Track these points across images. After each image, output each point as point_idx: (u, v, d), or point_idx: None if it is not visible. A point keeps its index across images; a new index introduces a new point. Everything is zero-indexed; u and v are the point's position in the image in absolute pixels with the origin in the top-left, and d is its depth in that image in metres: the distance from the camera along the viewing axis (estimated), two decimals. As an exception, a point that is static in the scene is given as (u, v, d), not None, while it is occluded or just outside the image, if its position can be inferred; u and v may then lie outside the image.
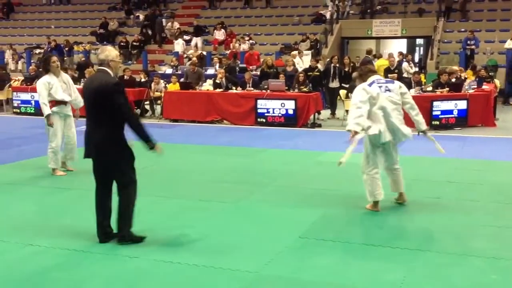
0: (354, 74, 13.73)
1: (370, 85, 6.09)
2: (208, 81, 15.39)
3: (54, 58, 7.99)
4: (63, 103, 7.95)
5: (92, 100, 4.97)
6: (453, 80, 13.67)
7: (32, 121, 14.30)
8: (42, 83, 7.89)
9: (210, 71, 18.18)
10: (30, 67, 19.06)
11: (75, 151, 8.09)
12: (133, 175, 5.07)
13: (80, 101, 7.88)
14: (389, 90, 6.14)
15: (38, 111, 15.35)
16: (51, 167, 8.00)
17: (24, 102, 15.95)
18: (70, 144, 8.15)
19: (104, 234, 5.12)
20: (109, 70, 5.01)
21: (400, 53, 19.41)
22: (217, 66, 17.79)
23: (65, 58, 22.58)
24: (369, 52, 17.08)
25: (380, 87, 6.11)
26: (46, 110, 7.81)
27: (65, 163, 8.24)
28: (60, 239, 5.23)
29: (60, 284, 4.28)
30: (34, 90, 15.78)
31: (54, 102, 7.89)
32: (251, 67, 18.63)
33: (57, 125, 7.93)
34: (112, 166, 5.01)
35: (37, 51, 24.97)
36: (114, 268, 4.59)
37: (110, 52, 5.10)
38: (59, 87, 7.88)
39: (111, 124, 4.89)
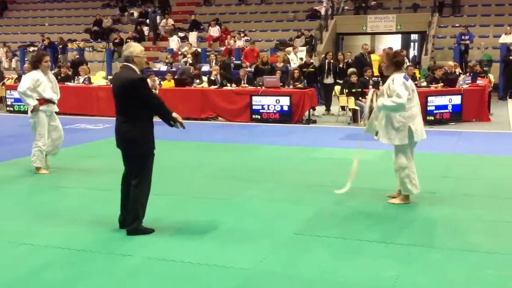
0: (350, 70, 13.81)
1: (406, 79, 6.08)
2: (204, 78, 15.37)
3: (47, 58, 7.97)
4: (51, 102, 7.90)
5: (118, 96, 5.17)
6: (441, 74, 13.65)
7: (25, 119, 14.15)
8: (30, 77, 7.80)
9: (205, 68, 18.14)
10: (24, 65, 18.97)
11: (60, 147, 8.15)
12: (149, 171, 5.27)
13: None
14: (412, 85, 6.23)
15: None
16: (35, 165, 7.92)
17: (17, 100, 15.79)
18: (59, 139, 8.11)
19: (123, 222, 5.33)
20: (133, 66, 5.19)
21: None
22: (213, 63, 17.75)
23: (59, 56, 22.49)
24: (366, 48, 16.99)
25: (410, 81, 6.17)
26: (31, 100, 7.73)
27: (46, 159, 8.14)
28: (52, 237, 5.20)
29: (53, 283, 4.25)
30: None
31: (42, 101, 7.82)
32: (246, 63, 18.60)
33: (44, 124, 7.88)
34: (135, 159, 5.18)
35: (31, 49, 24.83)
36: (107, 266, 4.56)
37: (135, 48, 5.23)
38: (47, 85, 7.84)
39: (136, 118, 5.10)
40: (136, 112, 5.10)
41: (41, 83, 7.76)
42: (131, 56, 5.16)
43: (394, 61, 6.22)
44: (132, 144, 5.15)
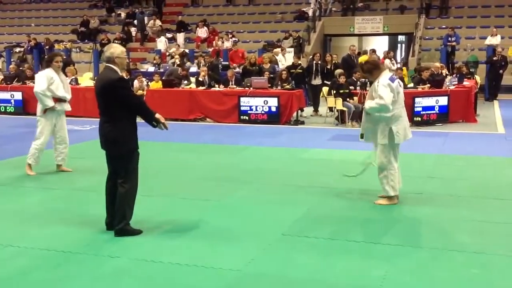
0: (338, 71, 13.85)
1: (392, 80, 6.11)
2: (192, 79, 15.34)
3: (59, 58, 7.91)
4: (63, 100, 7.87)
5: (99, 96, 5.18)
6: (428, 76, 13.74)
7: (12, 120, 14.13)
8: (44, 75, 7.74)
9: (193, 69, 18.11)
10: (10, 66, 18.84)
11: (67, 149, 8.07)
12: (134, 171, 5.26)
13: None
14: (401, 86, 6.27)
15: (18, 110, 15.30)
16: (29, 162, 7.87)
17: (3, 101, 15.74)
18: (64, 142, 8.00)
19: (110, 224, 5.32)
20: (114, 67, 5.19)
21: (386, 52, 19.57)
22: (201, 64, 17.72)
23: (46, 57, 22.32)
24: (353, 50, 17.06)
25: (398, 82, 6.22)
26: (50, 101, 7.69)
27: (61, 165, 8.04)
28: (39, 239, 5.17)
29: (40, 284, 4.22)
30: (14, 89, 15.66)
31: (56, 100, 7.77)
32: (234, 64, 18.60)
33: (48, 123, 7.82)
34: (117, 159, 5.20)
35: (17, 49, 24.68)
36: (95, 268, 4.53)
37: (116, 49, 5.27)
38: (60, 84, 7.80)
39: (117, 118, 5.11)
40: (116, 112, 5.11)
41: (54, 81, 7.71)
42: (112, 57, 5.19)
43: (367, 69, 6.32)
44: (113, 144, 5.17)
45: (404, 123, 6.25)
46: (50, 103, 7.71)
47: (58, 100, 7.83)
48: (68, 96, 7.96)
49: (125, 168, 5.20)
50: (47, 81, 7.68)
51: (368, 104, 6.16)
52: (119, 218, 5.20)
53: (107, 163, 5.35)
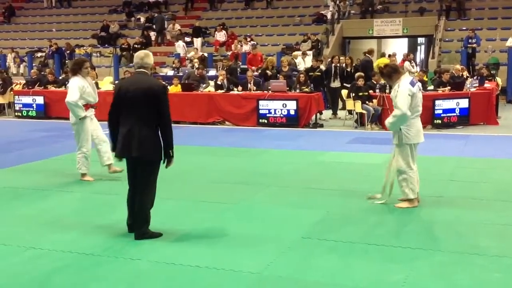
0: (358, 74, 13.79)
1: (412, 84, 6.11)
2: (211, 83, 15.40)
3: (87, 64, 7.85)
4: (92, 106, 7.86)
5: (141, 100, 5.14)
6: (448, 78, 13.63)
7: (33, 125, 14.33)
8: (77, 85, 7.60)
9: (212, 72, 18.18)
10: (32, 71, 19.09)
11: (108, 152, 7.72)
12: (156, 180, 5.32)
13: None
14: (420, 90, 6.26)
15: (39, 114, 15.51)
16: (81, 172, 7.81)
17: (25, 105, 15.97)
18: (103, 141, 7.82)
19: (130, 226, 5.36)
20: (149, 73, 5.42)
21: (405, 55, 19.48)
22: (219, 67, 17.78)
23: (67, 61, 22.60)
24: (369, 52, 17.03)
25: (418, 85, 6.22)
26: (82, 111, 7.62)
27: (111, 165, 7.85)
28: (60, 242, 5.23)
29: (64, 287, 4.27)
30: (35, 93, 15.88)
31: (88, 106, 7.75)
32: (253, 67, 18.63)
33: (88, 130, 7.76)
34: (148, 167, 5.21)
35: (39, 54, 25.02)
36: (116, 270, 4.58)
37: (152, 58, 5.46)
38: (91, 90, 7.80)
39: (155, 124, 5.16)
40: (154, 119, 5.15)
41: (86, 89, 7.64)
42: (151, 63, 5.40)
43: (386, 73, 6.33)
44: (150, 150, 5.15)
45: (417, 126, 6.20)
46: (82, 113, 7.62)
47: (89, 106, 7.80)
48: (97, 99, 7.93)
49: (152, 174, 5.23)
50: (80, 91, 7.58)
51: (387, 122, 6.23)
52: (141, 221, 5.24)
53: (131, 168, 5.31)
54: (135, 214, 5.28)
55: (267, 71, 15.59)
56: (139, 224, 5.25)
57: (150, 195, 5.28)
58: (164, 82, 15.36)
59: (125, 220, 5.42)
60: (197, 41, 23.43)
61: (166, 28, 25.04)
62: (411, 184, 6.19)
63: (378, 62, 16.44)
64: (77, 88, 7.60)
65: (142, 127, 5.14)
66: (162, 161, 5.23)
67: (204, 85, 15.23)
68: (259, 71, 16.70)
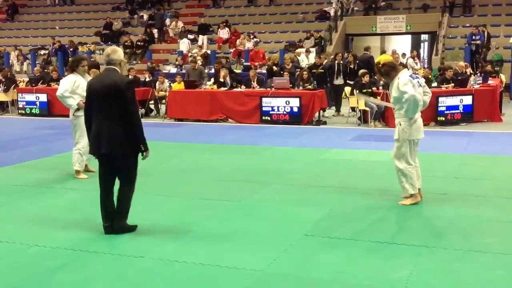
0: (362, 71, 13.77)
1: (412, 77, 6.11)
2: (212, 80, 15.40)
3: (84, 62, 7.95)
4: None
5: (106, 97, 5.12)
6: (452, 75, 13.59)
7: (37, 122, 14.34)
8: (67, 81, 7.78)
9: (213, 70, 18.14)
10: (35, 68, 19.12)
11: None
12: (136, 172, 5.30)
13: None
14: (420, 86, 6.22)
15: (43, 112, 15.55)
16: (76, 168, 7.85)
17: (29, 103, 16.00)
18: None
19: (110, 227, 5.33)
20: (119, 70, 5.27)
21: (403, 54, 19.44)
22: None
23: (70, 59, 22.61)
24: (366, 48, 16.98)
25: (418, 81, 6.19)
26: (72, 100, 7.71)
27: (88, 165, 8.03)
28: (64, 239, 5.23)
29: (65, 285, 4.28)
30: (39, 91, 15.91)
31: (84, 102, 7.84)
32: (256, 63, 18.60)
33: (84, 126, 7.84)
34: (123, 161, 5.19)
35: (42, 52, 25.05)
36: (120, 268, 4.58)
37: (121, 53, 5.38)
38: (85, 87, 7.83)
39: (125, 120, 5.08)
40: (121, 114, 5.07)
41: (79, 84, 7.70)
42: (119, 59, 5.27)
43: (384, 71, 6.31)
44: (124, 143, 5.13)
45: (417, 122, 6.17)
46: (72, 101, 7.71)
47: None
48: None
49: (132, 167, 5.24)
50: (70, 86, 7.71)
51: (404, 111, 6.08)
52: (123, 215, 5.29)
53: (102, 165, 5.30)
54: (118, 207, 5.28)
55: (274, 67, 15.57)
56: (121, 217, 5.28)
57: (133, 188, 5.30)
58: (166, 80, 15.48)
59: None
60: (203, 39, 23.39)
61: (168, 25, 25.00)
62: (411, 179, 6.17)
63: (379, 59, 16.40)
64: (67, 83, 7.76)
65: (110, 124, 5.12)
66: (139, 154, 5.21)
67: (203, 80, 15.22)
68: (266, 67, 16.65)
